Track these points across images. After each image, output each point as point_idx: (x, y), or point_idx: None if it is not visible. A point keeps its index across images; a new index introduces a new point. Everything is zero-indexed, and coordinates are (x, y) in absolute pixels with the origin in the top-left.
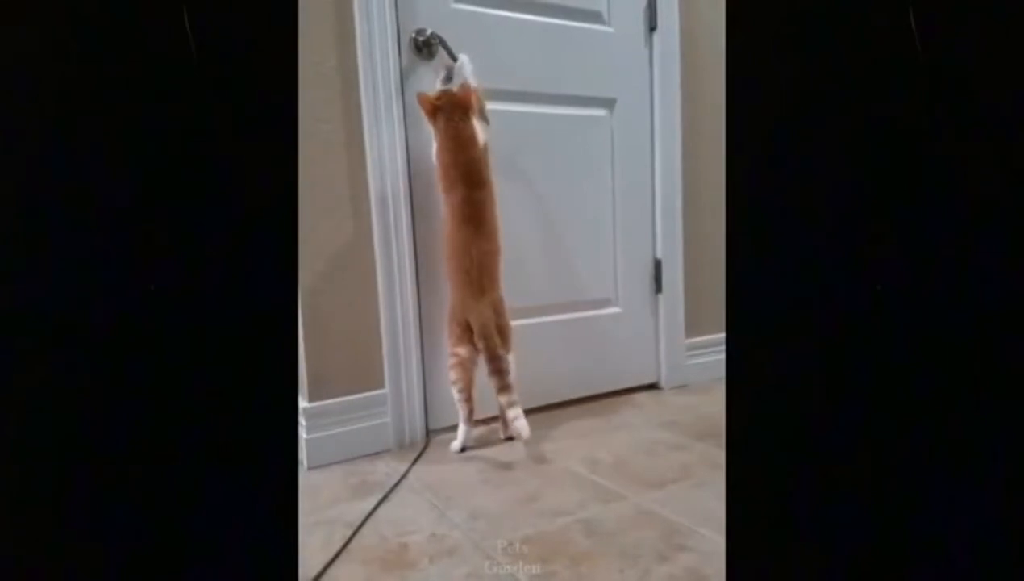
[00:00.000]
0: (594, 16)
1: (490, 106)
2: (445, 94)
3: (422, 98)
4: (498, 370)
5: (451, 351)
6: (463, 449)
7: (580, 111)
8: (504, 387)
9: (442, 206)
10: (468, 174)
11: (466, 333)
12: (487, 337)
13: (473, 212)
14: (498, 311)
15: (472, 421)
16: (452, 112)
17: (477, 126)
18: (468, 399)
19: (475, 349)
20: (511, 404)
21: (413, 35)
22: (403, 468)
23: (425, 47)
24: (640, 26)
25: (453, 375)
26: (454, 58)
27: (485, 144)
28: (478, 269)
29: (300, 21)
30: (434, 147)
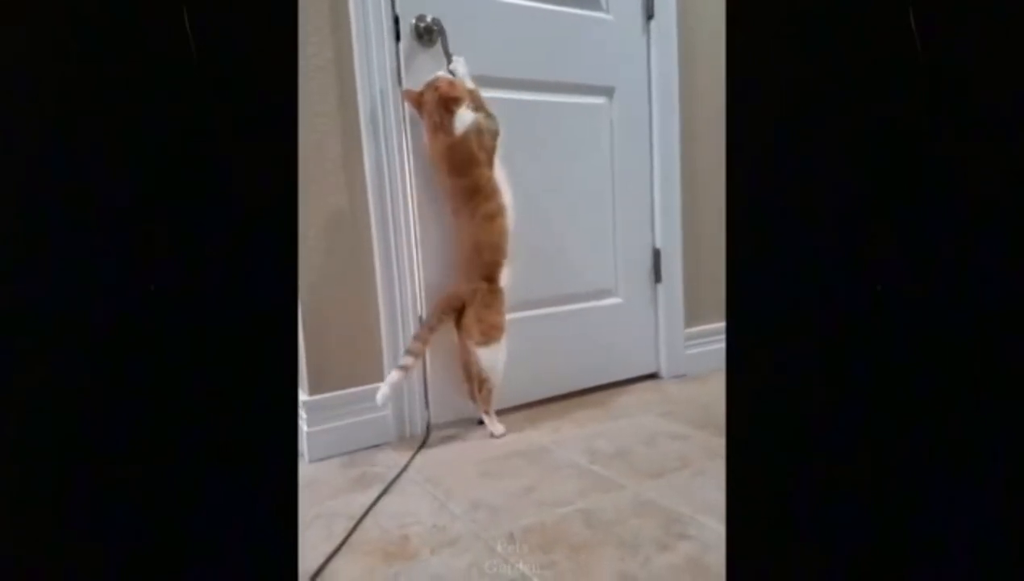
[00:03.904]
0: (592, 3)
1: (490, 94)
2: (428, 87)
3: (407, 94)
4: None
5: None
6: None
7: (579, 99)
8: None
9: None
10: (450, 162)
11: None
12: (433, 311)
13: (459, 202)
14: (471, 300)
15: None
16: (435, 104)
17: (460, 115)
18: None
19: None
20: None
21: (414, 21)
22: (403, 460)
23: (426, 33)
24: (638, 13)
25: None
26: (449, 56)
27: (467, 132)
28: (465, 257)
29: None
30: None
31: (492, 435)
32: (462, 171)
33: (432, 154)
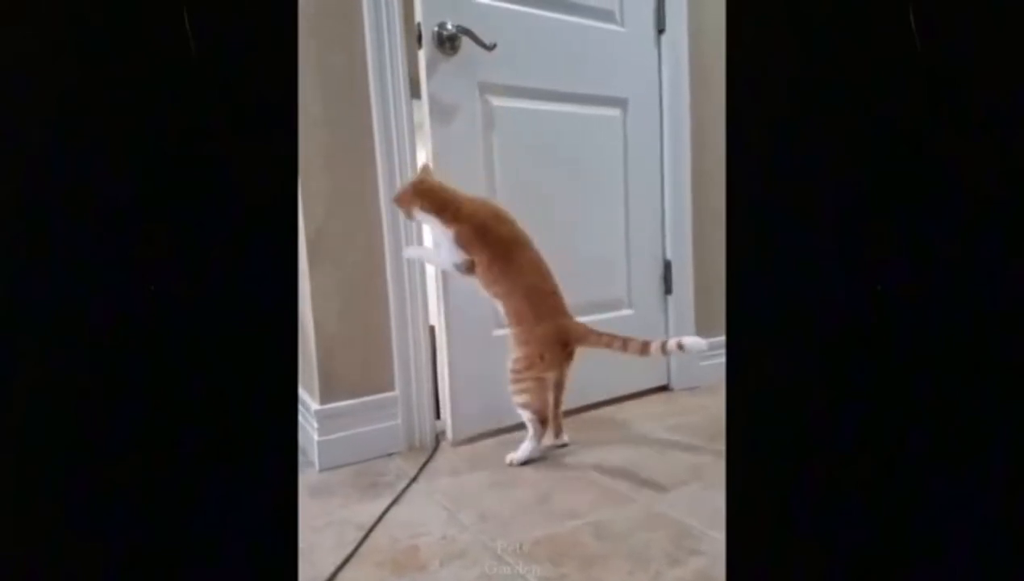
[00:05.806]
0: (607, 15)
1: (507, 103)
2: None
3: (406, 208)
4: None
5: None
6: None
7: (594, 110)
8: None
9: None
10: (489, 231)
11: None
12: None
13: (516, 254)
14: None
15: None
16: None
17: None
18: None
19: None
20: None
21: (436, 29)
22: (413, 470)
23: (449, 41)
24: (650, 27)
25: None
26: (486, 47)
27: (475, 200)
28: (542, 299)
29: (307, 14)
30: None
31: (564, 445)
32: (502, 231)
33: (473, 243)
